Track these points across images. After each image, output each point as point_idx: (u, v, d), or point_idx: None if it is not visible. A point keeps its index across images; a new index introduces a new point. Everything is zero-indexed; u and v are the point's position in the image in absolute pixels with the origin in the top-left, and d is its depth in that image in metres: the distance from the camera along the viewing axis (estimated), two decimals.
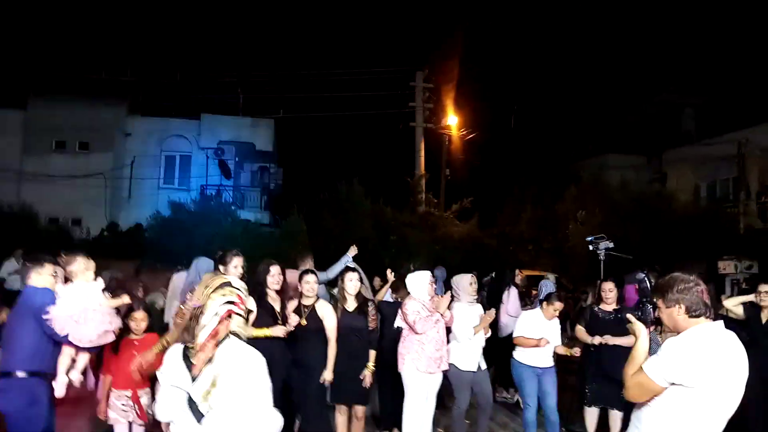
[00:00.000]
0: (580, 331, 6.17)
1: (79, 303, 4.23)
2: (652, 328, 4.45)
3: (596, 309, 6.24)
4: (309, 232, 15.62)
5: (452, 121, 20.15)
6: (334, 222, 15.89)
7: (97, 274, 4.52)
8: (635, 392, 2.87)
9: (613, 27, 26.47)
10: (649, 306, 3.22)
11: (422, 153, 19.31)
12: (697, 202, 18.73)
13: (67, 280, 4.63)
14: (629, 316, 3.17)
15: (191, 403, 2.69)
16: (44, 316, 4.00)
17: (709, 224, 15.41)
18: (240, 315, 2.93)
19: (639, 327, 3.03)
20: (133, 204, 19.72)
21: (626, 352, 5.80)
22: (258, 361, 2.84)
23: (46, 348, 4.04)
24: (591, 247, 7.06)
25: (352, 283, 5.62)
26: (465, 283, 6.14)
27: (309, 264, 6.98)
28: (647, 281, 4.28)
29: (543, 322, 6.15)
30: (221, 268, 5.42)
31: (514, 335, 6.21)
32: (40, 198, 17.61)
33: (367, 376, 5.44)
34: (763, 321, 5.84)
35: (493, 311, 6.16)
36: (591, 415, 6.06)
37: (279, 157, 22.26)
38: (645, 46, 23.84)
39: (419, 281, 5.94)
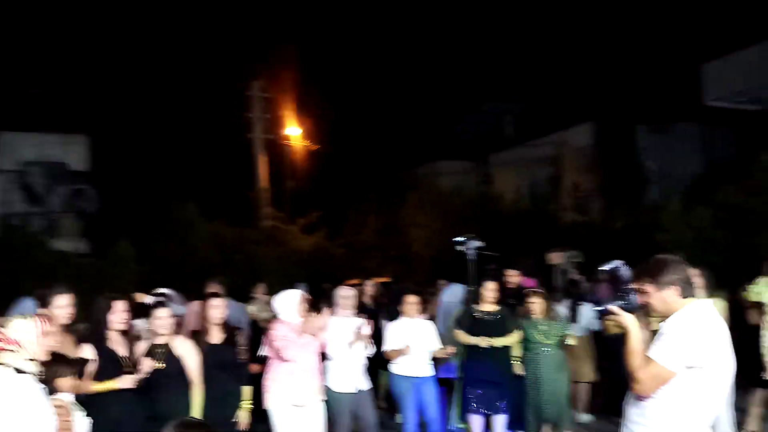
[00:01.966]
0: (460, 334, 5.98)
1: None
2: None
3: (474, 311, 6.06)
4: (140, 259, 14.14)
5: (292, 131, 19.64)
6: (169, 246, 14.64)
7: None
8: (650, 384, 2.71)
9: (435, 44, 28.12)
10: (632, 293, 3.02)
11: (262, 165, 18.51)
12: (520, 201, 20.24)
13: None
14: (612, 307, 2.99)
15: None
16: None
17: (533, 221, 16.64)
18: (8, 350, 3.16)
19: (627, 317, 2.87)
20: None
21: (503, 355, 5.92)
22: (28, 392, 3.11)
23: None
24: (459, 248, 6.99)
25: (218, 311, 4.84)
26: (344, 293, 5.70)
27: (216, 288, 6.21)
28: (621, 270, 4.10)
29: (411, 326, 5.90)
30: (42, 310, 4.45)
31: (383, 350, 5.89)
32: None
33: (242, 417, 4.72)
34: None
35: (365, 324, 5.71)
36: (476, 421, 5.89)
37: (98, 177, 20.04)
38: (463, 61, 25.58)
39: (287, 301, 5.33)
